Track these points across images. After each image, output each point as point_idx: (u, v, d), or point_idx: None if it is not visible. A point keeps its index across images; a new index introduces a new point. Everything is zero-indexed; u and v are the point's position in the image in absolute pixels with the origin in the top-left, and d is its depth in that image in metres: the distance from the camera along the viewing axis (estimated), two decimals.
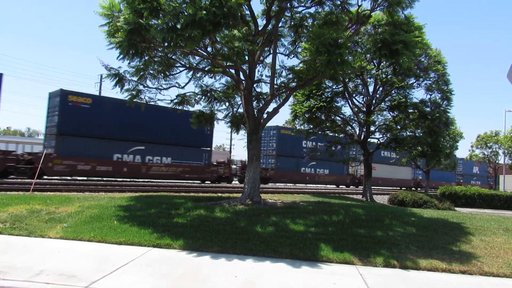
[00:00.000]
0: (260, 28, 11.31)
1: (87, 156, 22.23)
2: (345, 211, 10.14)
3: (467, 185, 46.87)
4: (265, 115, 12.11)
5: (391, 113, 18.63)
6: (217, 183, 28.16)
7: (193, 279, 4.97)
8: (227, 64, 11.27)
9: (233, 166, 33.75)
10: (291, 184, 36.05)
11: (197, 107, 14.38)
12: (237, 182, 33.49)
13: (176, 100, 13.45)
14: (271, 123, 34.22)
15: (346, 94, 18.06)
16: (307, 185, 37.04)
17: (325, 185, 37.78)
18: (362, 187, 37.96)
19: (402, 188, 45.11)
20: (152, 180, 25.64)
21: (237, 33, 10.92)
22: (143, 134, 24.95)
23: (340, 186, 38.95)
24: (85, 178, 24.02)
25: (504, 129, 44.30)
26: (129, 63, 10.46)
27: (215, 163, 29.65)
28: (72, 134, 22.03)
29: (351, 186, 39.98)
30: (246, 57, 11.23)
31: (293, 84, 12.62)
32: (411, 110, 17.65)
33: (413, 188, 46.34)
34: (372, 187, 37.65)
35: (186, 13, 7.92)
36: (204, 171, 27.97)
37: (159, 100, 13.12)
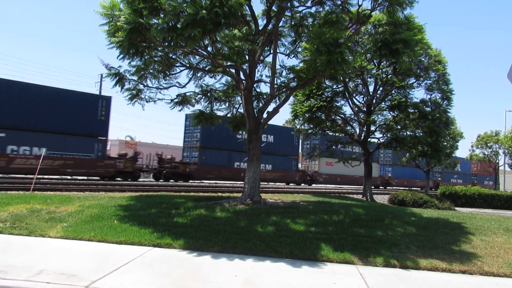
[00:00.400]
0: (260, 28, 11.32)
1: None
2: (345, 211, 10.14)
3: (445, 184, 46.23)
4: (265, 115, 12.12)
5: (391, 112, 18.63)
6: (121, 180, 24.13)
7: (193, 278, 4.97)
8: (228, 63, 11.27)
9: (147, 160, 28.83)
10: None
11: (198, 107, 14.40)
12: (151, 179, 28.64)
13: (176, 100, 13.46)
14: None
15: (346, 94, 18.06)
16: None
17: (267, 183, 32.77)
18: (315, 185, 36.32)
19: (371, 186, 42.74)
20: (18, 175, 21.33)
21: (238, 33, 10.94)
22: (2, 118, 20.01)
23: (290, 184, 35.02)
24: (85, 177, 23.96)
25: (504, 129, 44.41)
26: (129, 63, 10.49)
27: (113, 156, 25.00)
28: None
29: (302, 184, 36.01)
30: (247, 57, 11.24)
31: (293, 83, 12.63)
32: (411, 110, 17.66)
33: (380, 187, 42.70)
34: (329, 185, 35.73)
35: (186, 13, 7.92)
36: (96, 165, 23.02)
37: (159, 99, 13.14)
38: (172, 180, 27.24)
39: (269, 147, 32.76)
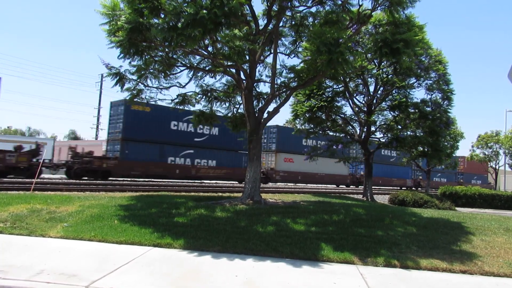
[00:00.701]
0: (260, 28, 11.31)
1: None
2: (345, 211, 10.14)
3: (426, 182, 43.81)
4: (265, 115, 12.12)
5: (391, 113, 18.62)
6: (14, 177, 20.67)
7: (194, 278, 4.97)
8: (228, 63, 11.27)
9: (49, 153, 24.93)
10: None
11: (198, 107, 14.40)
12: (61, 176, 24.78)
13: (177, 100, 13.46)
14: (121, 96, 24.05)
15: (347, 94, 18.05)
16: (181, 180, 27.51)
17: (210, 181, 29.08)
18: (271, 183, 32.68)
19: (341, 186, 37.67)
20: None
21: (238, 33, 10.94)
22: None
23: (242, 183, 30.30)
24: (85, 177, 23.92)
25: (504, 129, 44.40)
26: (130, 62, 10.48)
27: (2, 149, 21.41)
28: None
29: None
30: (247, 57, 11.23)
31: (294, 83, 12.62)
32: (412, 110, 17.65)
33: (351, 186, 38.80)
34: (289, 184, 32.86)
35: (186, 13, 7.92)
36: None
37: (159, 99, 13.14)
38: (85, 178, 23.26)
39: (213, 141, 28.89)
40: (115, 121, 25.22)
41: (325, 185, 36.87)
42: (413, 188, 43.03)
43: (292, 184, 36.09)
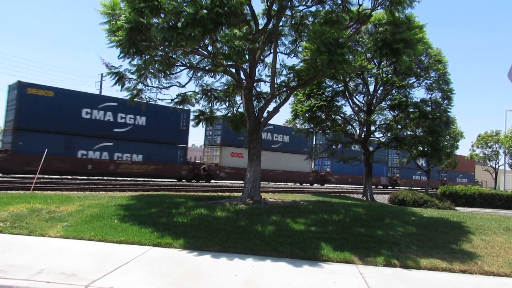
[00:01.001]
0: (260, 27, 11.31)
1: None
2: (345, 211, 10.14)
3: (404, 181, 42.29)
4: (265, 114, 12.12)
5: (391, 112, 18.64)
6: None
7: (194, 278, 4.97)
8: (228, 63, 11.26)
9: None
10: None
11: (197, 107, 14.39)
12: None
13: (176, 100, 13.46)
14: (27, 81, 20.05)
15: (347, 94, 18.06)
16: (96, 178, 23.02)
17: (134, 179, 24.85)
18: (214, 181, 28.60)
19: (304, 184, 34.81)
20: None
21: (238, 32, 10.93)
22: None
23: (182, 181, 27.02)
24: (85, 177, 23.79)
25: (504, 129, 44.51)
26: (129, 62, 10.48)
27: None
28: None
29: (199, 181, 27.85)
30: (247, 56, 11.23)
31: (294, 83, 12.63)
32: (412, 110, 17.68)
33: (315, 184, 35.97)
34: (232, 182, 29.15)
35: (186, 12, 7.92)
36: None
37: (159, 99, 13.13)
38: None
39: (139, 132, 24.70)
40: (11, 107, 21.19)
41: (281, 182, 32.79)
42: (389, 187, 40.69)
43: (231, 181, 30.81)
